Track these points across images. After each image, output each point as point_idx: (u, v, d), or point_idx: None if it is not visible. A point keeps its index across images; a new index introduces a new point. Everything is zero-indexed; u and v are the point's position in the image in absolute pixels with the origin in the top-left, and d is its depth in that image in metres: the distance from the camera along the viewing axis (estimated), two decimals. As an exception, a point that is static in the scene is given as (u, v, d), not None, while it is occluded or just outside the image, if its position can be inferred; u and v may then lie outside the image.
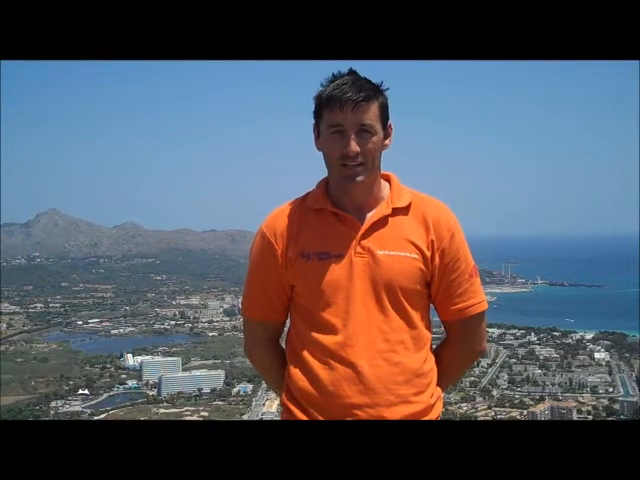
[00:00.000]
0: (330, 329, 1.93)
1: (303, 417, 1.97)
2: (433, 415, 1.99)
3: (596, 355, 65.38)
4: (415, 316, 1.96)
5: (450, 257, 1.97)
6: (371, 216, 1.96)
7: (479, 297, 2.04)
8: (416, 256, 1.93)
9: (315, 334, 1.96)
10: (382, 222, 1.96)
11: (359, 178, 1.90)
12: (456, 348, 2.10)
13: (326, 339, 1.93)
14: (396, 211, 1.97)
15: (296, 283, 2.00)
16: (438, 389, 2.05)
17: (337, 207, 1.97)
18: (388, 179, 2.04)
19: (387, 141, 1.97)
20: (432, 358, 2.04)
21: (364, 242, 1.93)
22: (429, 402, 1.98)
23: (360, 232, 1.94)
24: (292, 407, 2.01)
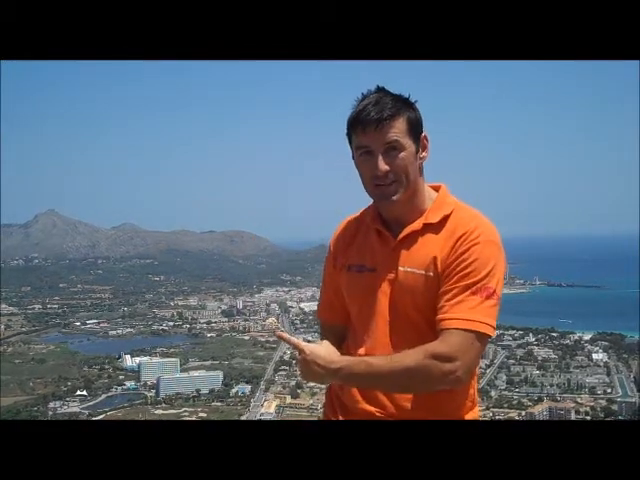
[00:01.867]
0: (357, 340, 2.02)
1: (328, 411, 2.14)
2: None
3: (594, 356, 65.39)
4: (431, 334, 1.88)
5: (452, 269, 1.86)
6: (402, 232, 1.96)
7: (463, 314, 1.80)
8: (431, 274, 1.89)
9: (351, 342, 2.06)
10: (411, 238, 1.95)
11: (394, 197, 1.90)
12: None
13: (354, 348, 2.02)
14: (427, 227, 1.94)
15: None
16: (459, 413, 1.99)
17: (381, 222, 2.00)
18: (438, 190, 2.03)
19: (424, 153, 1.95)
20: None
21: (392, 258, 1.95)
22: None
23: (389, 248, 1.97)
24: (326, 401, 2.16)
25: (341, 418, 2.04)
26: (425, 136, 1.95)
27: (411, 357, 1.80)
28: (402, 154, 1.88)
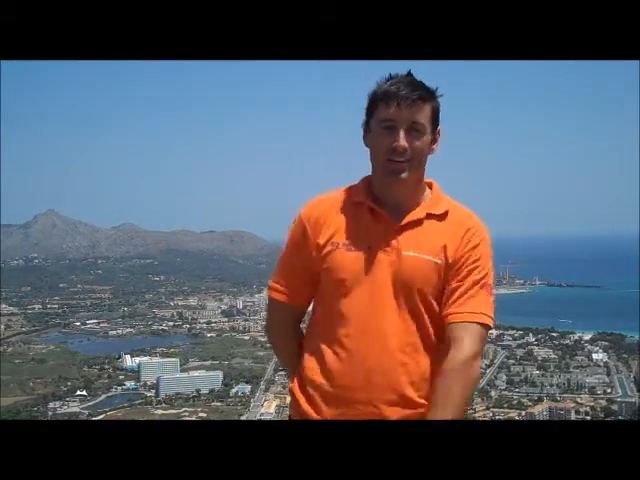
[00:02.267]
0: (344, 320, 1.96)
1: (307, 407, 2.01)
2: None
3: (594, 356, 65.43)
4: (429, 320, 1.95)
5: (462, 264, 1.94)
6: (405, 217, 1.98)
7: (477, 308, 1.92)
8: (439, 262, 1.93)
9: (331, 324, 1.99)
10: (415, 224, 1.97)
11: (403, 175, 1.93)
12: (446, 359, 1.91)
13: (339, 330, 1.97)
14: (430, 216, 1.98)
15: (322, 270, 2.02)
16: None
17: (376, 203, 2.00)
18: (430, 186, 2.06)
19: (434, 146, 1.99)
20: None
21: (393, 241, 1.95)
22: None
23: (391, 230, 1.96)
24: (299, 395, 2.05)
25: (326, 409, 1.98)
26: (439, 130, 1.99)
27: (457, 388, 1.86)
28: (423, 138, 1.93)
